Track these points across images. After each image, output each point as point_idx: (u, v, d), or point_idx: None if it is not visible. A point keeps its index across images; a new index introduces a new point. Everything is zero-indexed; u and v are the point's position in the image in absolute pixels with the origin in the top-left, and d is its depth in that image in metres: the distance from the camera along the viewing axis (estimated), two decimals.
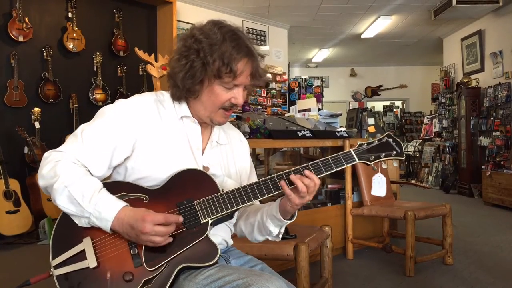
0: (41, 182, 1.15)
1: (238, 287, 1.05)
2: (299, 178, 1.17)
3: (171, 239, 1.10)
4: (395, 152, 1.29)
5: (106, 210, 1.08)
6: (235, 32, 1.21)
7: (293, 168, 1.22)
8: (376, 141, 1.28)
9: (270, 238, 1.32)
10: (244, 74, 1.21)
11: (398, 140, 1.31)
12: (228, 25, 1.23)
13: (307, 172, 1.19)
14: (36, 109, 4.42)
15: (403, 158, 1.30)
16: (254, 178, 1.44)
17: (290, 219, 1.27)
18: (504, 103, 6.26)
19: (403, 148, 1.33)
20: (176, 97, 1.28)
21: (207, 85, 1.22)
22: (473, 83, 7.15)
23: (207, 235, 1.16)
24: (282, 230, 1.31)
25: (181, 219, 1.11)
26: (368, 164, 1.27)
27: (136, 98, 1.27)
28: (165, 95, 1.31)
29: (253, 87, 1.31)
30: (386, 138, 1.29)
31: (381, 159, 1.28)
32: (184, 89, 1.23)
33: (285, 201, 1.22)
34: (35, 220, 4.12)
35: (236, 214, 1.33)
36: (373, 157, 1.27)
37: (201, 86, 1.22)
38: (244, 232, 1.37)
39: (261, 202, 1.42)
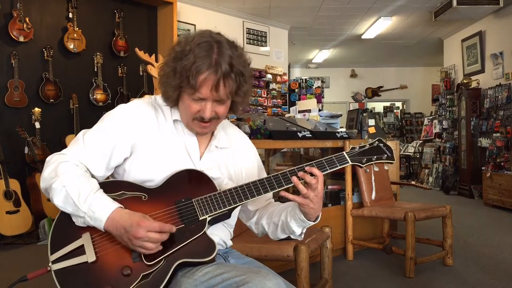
0: (42, 184, 1.17)
1: (236, 284, 1.06)
2: (303, 176, 1.20)
3: (161, 247, 1.11)
4: (386, 155, 1.36)
5: (99, 210, 1.10)
6: (210, 43, 1.16)
7: (288, 169, 1.24)
8: (368, 145, 1.35)
9: (292, 237, 1.35)
10: (206, 87, 1.16)
11: (388, 145, 1.39)
12: (210, 36, 1.18)
13: (307, 168, 1.22)
14: (36, 109, 4.42)
15: (393, 162, 1.37)
16: None
17: (314, 221, 1.30)
18: (505, 104, 6.26)
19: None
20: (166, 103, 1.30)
21: (181, 94, 1.22)
22: (474, 84, 7.15)
23: (205, 232, 1.17)
24: (304, 230, 1.33)
25: (174, 229, 1.12)
26: (360, 166, 1.33)
27: (135, 102, 1.30)
28: None
29: (238, 98, 1.26)
30: (377, 142, 1.37)
31: (373, 162, 1.34)
32: (163, 95, 1.26)
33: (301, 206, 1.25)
34: (35, 220, 4.12)
35: (234, 213, 1.34)
36: (365, 159, 1.33)
37: (174, 93, 1.22)
38: (267, 231, 1.39)
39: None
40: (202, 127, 1.25)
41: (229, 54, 1.16)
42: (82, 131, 1.25)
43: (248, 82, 1.24)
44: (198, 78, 1.15)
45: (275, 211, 1.37)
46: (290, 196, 1.20)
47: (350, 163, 1.30)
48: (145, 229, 1.06)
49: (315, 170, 1.21)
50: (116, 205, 1.12)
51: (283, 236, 1.36)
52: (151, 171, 1.22)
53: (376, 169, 1.36)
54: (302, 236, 1.35)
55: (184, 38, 1.21)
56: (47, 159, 1.20)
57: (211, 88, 1.16)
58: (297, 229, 1.31)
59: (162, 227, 1.09)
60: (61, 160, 1.17)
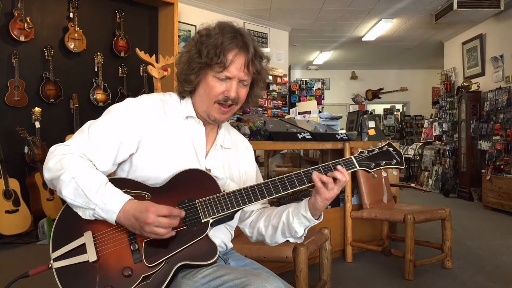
0: (47, 175, 1.16)
1: (236, 287, 1.05)
2: (318, 176, 1.20)
3: (174, 233, 1.11)
4: (395, 160, 1.30)
5: (112, 202, 1.09)
6: (235, 28, 1.25)
7: (294, 172, 1.24)
8: (377, 149, 1.30)
9: (292, 240, 1.33)
10: (235, 66, 1.22)
11: (398, 149, 1.33)
12: (232, 24, 1.26)
13: (338, 168, 1.21)
14: (36, 108, 4.42)
15: (403, 167, 1.31)
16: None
17: (317, 219, 1.29)
18: (505, 107, 6.26)
19: (403, 151, 1.34)
20: (180, 93, 1.31)
21: (203, 76, 1.25)
22: (474, 87, 7.15)
23: (207, 234, 1.17)
24: (306, 231, 1.31)
25: (183, 213, 1.12)
26: (368, 172, 1.28)
27: (143, 97, 1.30)
28: (173, 96, 1.34)
29: (256, 86, 1.33)
30: (386, 147, 1.31)
31: (381, 167, 1.29)
32: (182, 81, 1.27)
33: (314, 198, 1.23)
34: (34, 220, 4.12)
35: (237, 215, 1.34)
36: (373, 164, 1.28)
37: (197, 77, 1.25)
38: (265, 234, 1.36)
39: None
40: (222, 112, 1.27)
41: (251, 39, 1.25)
42: (88, 123, 1.23)
43: (265, 70, 1.31)
44: (228, 56, 1.21)
45: (273, 213, 1.35)
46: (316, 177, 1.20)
47: (358, 168, 1.26)
48: (154, 213, 1.06)
49: (338, 174, 1.21)
50: (127, 197, 1.12)
51: (282, 239, 1.34)
52: (157, 168, 1.22)
53: (384, 174, 1.32)
54: (303, 238, 1.32)
55: (204, 28, 1.27)
56: (51, 149, 1.19)
57: (239, 67, 1.22)
58: (300, 229, 1.29)
59: (171, 211, 1.09)
60: (65, 151, 1.16)
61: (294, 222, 1.28)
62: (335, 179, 1.20)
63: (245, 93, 1.29)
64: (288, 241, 1.34)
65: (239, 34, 1.23)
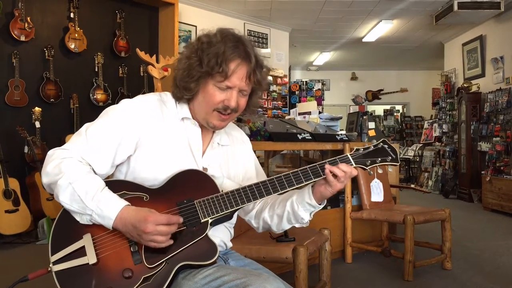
0: (45, 179, 1.16)
1: (236, 287, 1.06)
2: (331, 168, 1.22)
3: (172, 241, 1.11)
4: (390, 157, 1.32)
5: (108, 208, 1.09)
6: (237, 37, 1.23)
7: (292, 171, 1.24)
8: (372, 147, 1.31)
9: (297, 225, 1.35)
10: (237, 76, 1.21)
11: (393, 146, 1.35)
12: (234, 32, 1.25)
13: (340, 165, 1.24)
14: (36, 108, 4.42)
15: (398, 164, 1.33)
16: (262, 177, 1.45)
17: (320, 204, 1.30)
18: (505, 109, 6.26)
19: (403, 152, 1.34)
20: (176, 97, 1.30)
21: (203, 84, 1.24)
22: (474, 88, 7.15)
23: (206, 234, 1.17)
24: (311, 216, 1.33)
25: (181, 219, 1.13)
26: (364, 169, 1.30)
27: (140, 98, 1.29)
28: (169, 96, 1.33)
29: (255, 96, 1.33)
30: (381, 144, 1.33)
31: (377, 164, 1.31)
32: (181, 88, 1.25)
33: (325, 188, 1.24)
34: (34, 220, 4.12)
35: (236, 214, 1.34)
36: (369, 161, 1.30)
37: (197, 85, 1.24)
38: (270, 223, 1.37)
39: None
40: (222, 119, 1.27)
41: (253, 48, 1.24)
42: (85, 125, 1.23)
43: (266, 78, 1.31)
44: (230, 66, 1.20)
45: (277, 202, 1.36)
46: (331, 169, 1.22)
47: (354, 165, 1.27)
48: (153, 223, 1.06)
49: (344, 166, 1.24)
50: (124, 202, 1.12)
51: (288, 226, 1.36)
52: (155, 169, 1.22)
53: (380, 171, 1.34)
54: (309, 222, 1.35)
55: (205, 34, 1.25)
56: (49, 153, 1.19)
57: (241, 77, 1.22)
58: (306, 215, 1.31)
59: (170, 219, 1.10)
60: (64, 155, 1.16)
61: (300, 210, 1.30)
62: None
63: (245, 102, 1.29)
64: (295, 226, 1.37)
65: (241, 43, 1.22)
